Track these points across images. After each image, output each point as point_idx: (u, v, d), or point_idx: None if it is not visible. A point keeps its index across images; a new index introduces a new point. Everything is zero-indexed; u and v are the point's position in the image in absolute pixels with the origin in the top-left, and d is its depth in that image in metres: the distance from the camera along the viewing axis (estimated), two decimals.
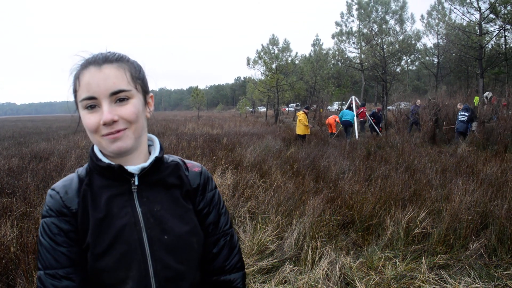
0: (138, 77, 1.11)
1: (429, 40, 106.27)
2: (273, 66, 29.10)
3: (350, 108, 17.97)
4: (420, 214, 4.95)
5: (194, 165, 1.26)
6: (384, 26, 25.36)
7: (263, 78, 31.44)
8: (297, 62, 32.79)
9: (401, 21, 26.01)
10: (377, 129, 18.27)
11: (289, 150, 11.00)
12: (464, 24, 29.09)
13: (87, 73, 1.04)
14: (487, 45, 28.28)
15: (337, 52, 30.67)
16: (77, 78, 1.06)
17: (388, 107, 22.85)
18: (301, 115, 14.16)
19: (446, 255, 4.33)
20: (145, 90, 1.14)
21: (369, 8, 25.80)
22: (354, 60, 30.86)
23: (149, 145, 1.21)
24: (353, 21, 27.89)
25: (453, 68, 38.89)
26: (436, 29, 31.81)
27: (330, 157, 8.98)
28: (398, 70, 33.71)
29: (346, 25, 28.31)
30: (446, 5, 26.56)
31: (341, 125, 16.64)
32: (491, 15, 24.68)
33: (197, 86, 47.23)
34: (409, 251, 4.37)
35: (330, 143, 13.24)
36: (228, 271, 1.25)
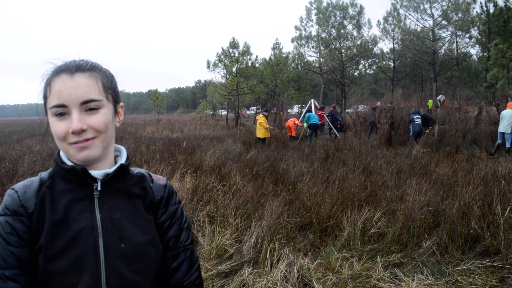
0: (110, 87, 1.11)
1: (385, 45, 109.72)
2: (234, 69, 29.09)
3: (309, 111, 18.21)
4: (376, 214, 5.08)
5: (159, 178, 1.27)
6: (342, 31, 25.85)
7: (223, 81, 31.38)
8: (257, 65, 32.92)
9: (358, 26, 26.58)
10: (336, 131, 18.59)
11: (249, 153, 11.02)
12: (418, 30, 30.06)
13: (58, 80, 1.03)
14: (440, 50, 29.40)
15: (296, 56, 31.04)
16: (48, 84, 1.05)
17: (346, 110, 23.32)
18: (261, 118, 14.17)
19: (400, 253, 4.47)
20: (116, 100, 1.14)
21: (327, 13, 26.22)
22: (313, 64, 31.31)
23: (116, 156, 1.20)
24: (312, 25, 28.22)
25: (408, 72, 40.15)
26: (392, 35, 32.68)
27: (289, 159, 9.06)
28: (356, 74, 34.52)
29: (305, 30, 28.63)
30: (401, 11, 27.39)
31: (308, 128, 16.66)
32: (444, 22, 25.68)
33: (156, 89, 46.63)
34: (365, 250, 4.48)
35: (289, 146, 13.37)
36: (187, 287, 1.24)
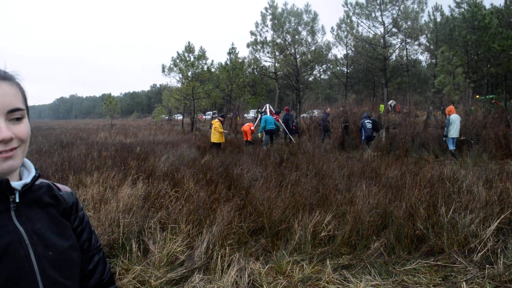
0: (25, 97, 1.09)
1: (339, 51, 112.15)
2: (189, 73, 28.91)
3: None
4: (327, 217, 5.14)
5: (64, 187, 1.27)
6: (297, 37, 26.26)
7: (179, 85, 31.13)
8: (213, 70, 32.89)
9: (312, 33, 27.10)
10: (291, 136, 18.76)
11: (204, 159, 10.96)
12: (370, 36, 30.94)
13: None
14: (390, 57, 30.36)
15: (252, 61, 31.21)
16: None
17: (301, 115, 23.66)
18: (216, 123, 14.19)
19: (349, 255, 4.56)
20: (28, 111, 1.12)
21: (282, 19, 26.55)
22: (268, 69, 31.58)
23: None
24: (267, 31, 28.49)
25: (361, 78, 41.27)
26: (345, 41, 33.56)
27: (243, 164, 9.08)
28: (311, 79, 35.18)
29: (260, 35, 28.85)
30: (354, 18, 28.10)
31: (264, 134, 16.50)
32: (394, 29, 26.59)
33: (110, 93, 45.62)
34: (316, 253, 4.53)
35: (244, 151, 13.40)
36: (106, 284, 1.32)
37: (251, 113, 39.62)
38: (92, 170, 8.07)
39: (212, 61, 31.30)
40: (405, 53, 34.09)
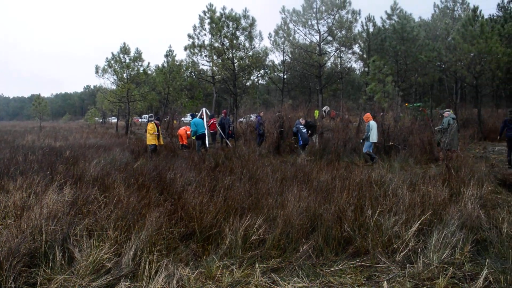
0: None
1: (276, 57, 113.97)
2: (124, 75, 28.16)
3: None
4: (258, 221, 5.20)
5: None
6: (234, 41, 26.32)
7: (113, 87, 30.22)
8: (149, 72, 32.20)
9: (250, 38, 27.26)
10: (227, 139, 18.77)
11: (137, 163, 10.72)
12: (307, 44, 31.66)
13: None
14: (325, 64, 31.26)
15: (190, 64, 30.89)
16: None
17: (239, 120, 23.78)
18: (149, 125, 14.31)
19: (279, 258, 4.66)
20: None
21: (220, 23, 26.50)
22: (206, 73, 31.40)
23: None
24: (205, 34, 28.24)
25: (297, 84, 42.21)
26: (282, 47, 34.18)
27: (177, 169, 8.97)
28: (248, 84, 35.35)
29: (198, 38, 28.55)
30: (291, 25, 28.59)
31: (196, 140, 15.98)
32: (329, 38, 27.40)
33: (39, 94, 43.43)
34: (246, 257, 4.58)
35: (180, 155, 13.26)
36: None
37: (188, 117, 39.27)
38: (15, 175, 7.64)
39: (149, 63, 30.88)
40: (339, 61, 35.31)
